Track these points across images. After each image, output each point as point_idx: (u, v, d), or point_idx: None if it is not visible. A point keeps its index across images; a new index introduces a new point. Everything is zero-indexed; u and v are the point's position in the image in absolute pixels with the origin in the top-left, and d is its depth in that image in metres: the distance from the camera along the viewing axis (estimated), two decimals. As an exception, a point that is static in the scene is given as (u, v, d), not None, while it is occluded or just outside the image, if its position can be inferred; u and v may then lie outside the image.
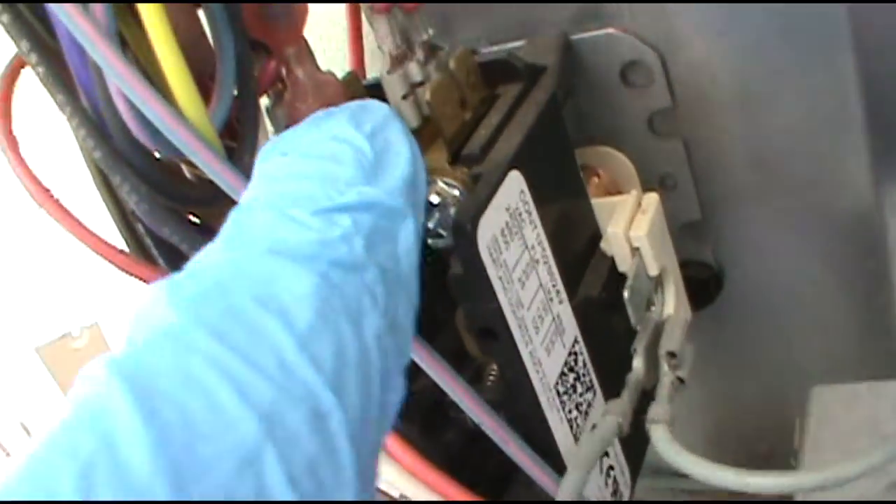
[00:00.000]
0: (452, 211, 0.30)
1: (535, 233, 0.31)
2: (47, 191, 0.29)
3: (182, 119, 0.24)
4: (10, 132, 0.29)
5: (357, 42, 0.38)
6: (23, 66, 0.29)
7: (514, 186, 0.30)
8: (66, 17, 0.23)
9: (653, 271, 0.34)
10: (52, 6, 0.23)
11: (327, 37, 0.44)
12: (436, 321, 0.33)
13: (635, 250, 0.34)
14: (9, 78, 0.29)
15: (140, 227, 0.29)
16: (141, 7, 0.24)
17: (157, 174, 0.28)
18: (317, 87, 0.32)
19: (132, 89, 0.24)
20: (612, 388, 0.34)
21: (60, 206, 0.30)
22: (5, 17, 0.26)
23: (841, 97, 0.37)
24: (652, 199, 0.35)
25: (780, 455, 0.49)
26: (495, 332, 0.29)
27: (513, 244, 0.29)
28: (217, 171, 0.24)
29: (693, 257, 0.42)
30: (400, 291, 0.22)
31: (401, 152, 0.24)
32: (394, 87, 0.30)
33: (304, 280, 0.19)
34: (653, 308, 0.35)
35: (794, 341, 0.44)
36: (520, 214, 0.30)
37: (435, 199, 0.30)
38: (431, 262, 0.33)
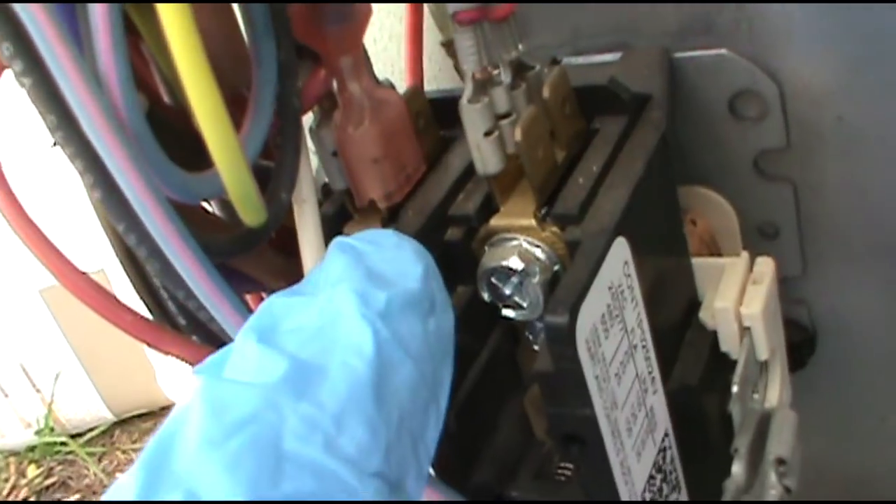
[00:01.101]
0: (537, 279, 0.24)
1: (635, 312, 0.25)
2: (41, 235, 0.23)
3: (174, 225, 0.18)
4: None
5: (416, 43, 0.31)
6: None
7: (619, 257, 0.24)
8: (34, 29, 0.16)
9: (762, 356, 0.28)
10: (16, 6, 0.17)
11: (378, 23, 0.38)
12: (495, 386, 0.27)
13: (745, 329, 0.28)
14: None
15: (161, 289, 0.23)
16: (159, 7, 0.18)
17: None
18: (375, 108, 0.25)
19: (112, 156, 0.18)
20: (697, 484, 0.29)
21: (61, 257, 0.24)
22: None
23: None
24: (766, 265, 0.29)
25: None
26: (584, 441, 0.23)
27: (612, 331, 0.23)
28: (215, 303, 0.18)
29: (787, 316, 0.36)
30: None
31: (426, 366, 0.19)
32: (476, 122, 0.24)
33: None
34: (755, 395, 0.29)
35: (889, 419, 0.38)
36: (622, 292, 0.24)
37: (517, 264, 0.24)
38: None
